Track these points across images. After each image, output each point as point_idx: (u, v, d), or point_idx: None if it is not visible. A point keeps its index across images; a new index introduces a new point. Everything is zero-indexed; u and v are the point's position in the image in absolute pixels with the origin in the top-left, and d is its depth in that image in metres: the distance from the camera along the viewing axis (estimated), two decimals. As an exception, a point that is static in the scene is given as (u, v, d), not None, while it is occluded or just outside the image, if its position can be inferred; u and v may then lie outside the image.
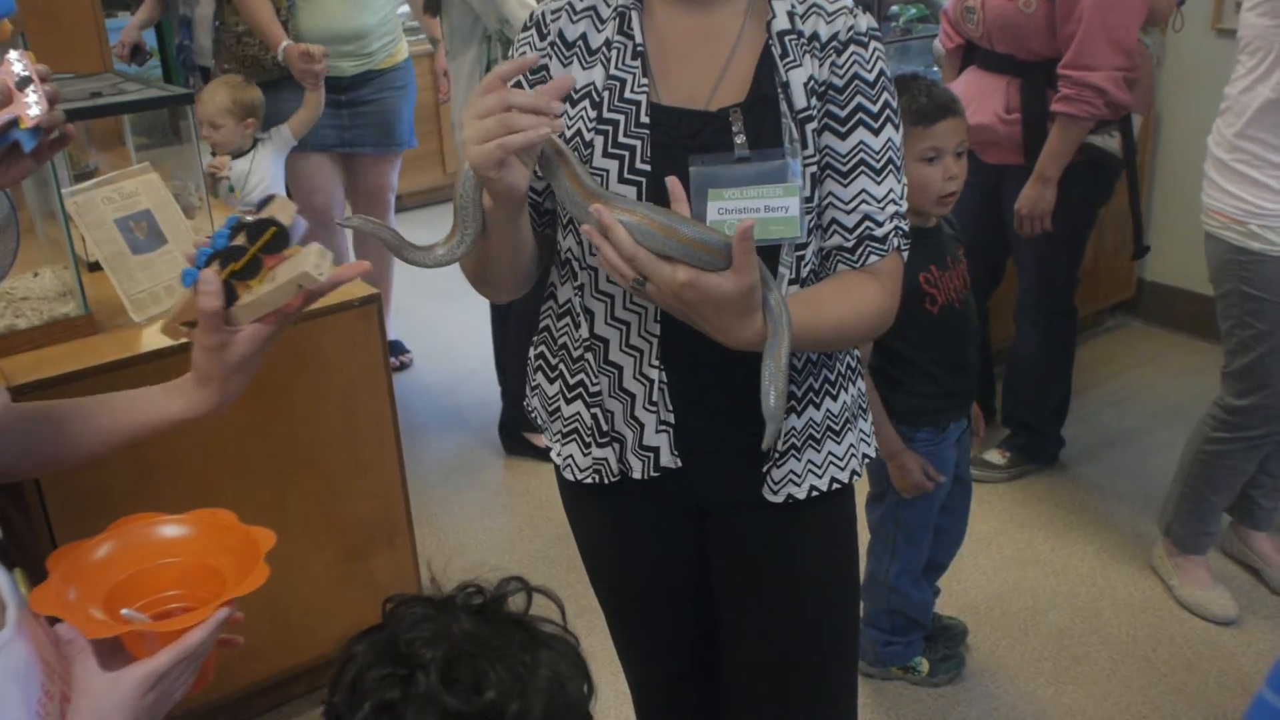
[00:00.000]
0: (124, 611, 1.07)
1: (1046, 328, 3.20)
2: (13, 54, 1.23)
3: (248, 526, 1.18)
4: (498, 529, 3.15)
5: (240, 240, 1.18)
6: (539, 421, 1.55)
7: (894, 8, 4.64)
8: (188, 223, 2.38)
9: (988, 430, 3.36)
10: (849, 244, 1.35)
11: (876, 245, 1.35)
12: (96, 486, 1.99)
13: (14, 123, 1.17)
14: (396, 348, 4.23)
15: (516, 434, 3.51)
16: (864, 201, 1.34)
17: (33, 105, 1.18)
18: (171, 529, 1.19)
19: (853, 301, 1.34)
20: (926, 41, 4.19)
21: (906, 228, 1.38)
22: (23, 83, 1.20)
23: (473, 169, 1.22)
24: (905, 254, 1.39)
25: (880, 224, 1.35)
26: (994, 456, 3.31)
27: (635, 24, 1.36)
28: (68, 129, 1.24)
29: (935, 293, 2.19)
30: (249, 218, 1.19)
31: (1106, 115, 2.81)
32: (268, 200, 1.23)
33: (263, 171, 3.45)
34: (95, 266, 2.29)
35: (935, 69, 3.58)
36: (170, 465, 2.09)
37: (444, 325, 4.49)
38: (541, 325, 1.52)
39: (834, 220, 1.35)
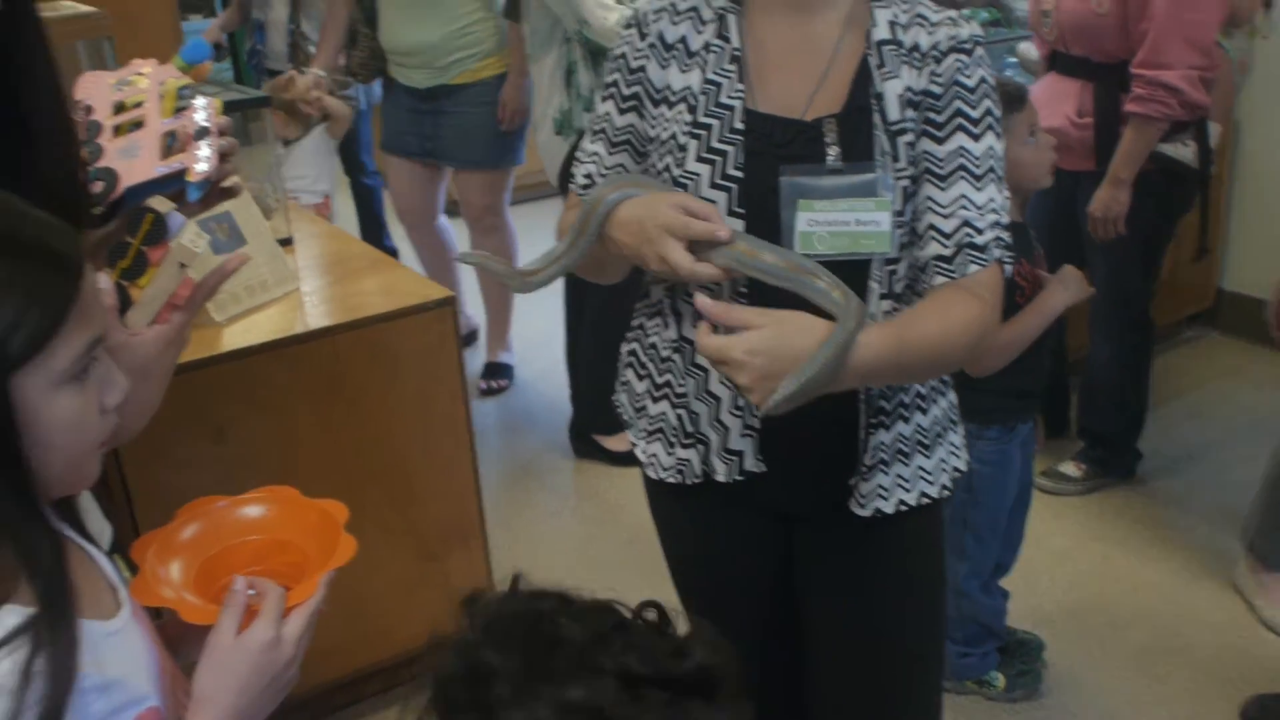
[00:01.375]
0: (236, 583, 1.06)
1: (1120, 339, 3.14)
2: (199, 101, 1.25)
3: (315, 500, 1.18)
4: (569, 532, 3.15)
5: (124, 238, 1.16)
6: (625, 417, 1.54)
7: (965, 10, 4.59)
8: (266, 224, 2.40)
9: (1062, 442, 3.31)
10: (947, 252, 1.30)
11: (977, 254, 1.30)
12: (179, 484, 2.00)
13: (183, 172, 1.19)
14: (503, 371, 4.13)
15: (587, 437, 3.50)
16: (963, 207, 1.30)
17: (202, 160, 1.19)
18: (250, 509, 1.19)
19: (948, 320, 1.28)
20: (1000, 47, 4.14)
21: (1009, 239, 1.33)
22: (200, 133, 1.21)
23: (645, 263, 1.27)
24: (1008, 268, 1.34)
25: (980, 231, 1.30)
26: (1069, 469, 3.24)
27: (734, 29, 1.34)
28: (237, 183, 1.26)
29: (1025, 285, 2.16)
30: (100, 208, 1.16)
31: (1181, 116, 2.73)
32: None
33: (302, 168, 3.56)
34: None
35: (1023, 75, 3.54)
36: (250, 463, 2.11)
37: (515, 328, 4.49)
38: (635, 322, 1.51)
39: (931, 226, 1.31)
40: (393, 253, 4.15)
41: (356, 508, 2.22)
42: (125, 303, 1.14)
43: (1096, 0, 2.76)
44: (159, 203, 1.18)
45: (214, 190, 1.27)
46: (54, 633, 0.85)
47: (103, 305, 0.93)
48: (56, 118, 1.17)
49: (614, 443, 3.38)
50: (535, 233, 4.30)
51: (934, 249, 1.31)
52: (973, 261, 1.30)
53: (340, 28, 3.85)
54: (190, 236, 1.16)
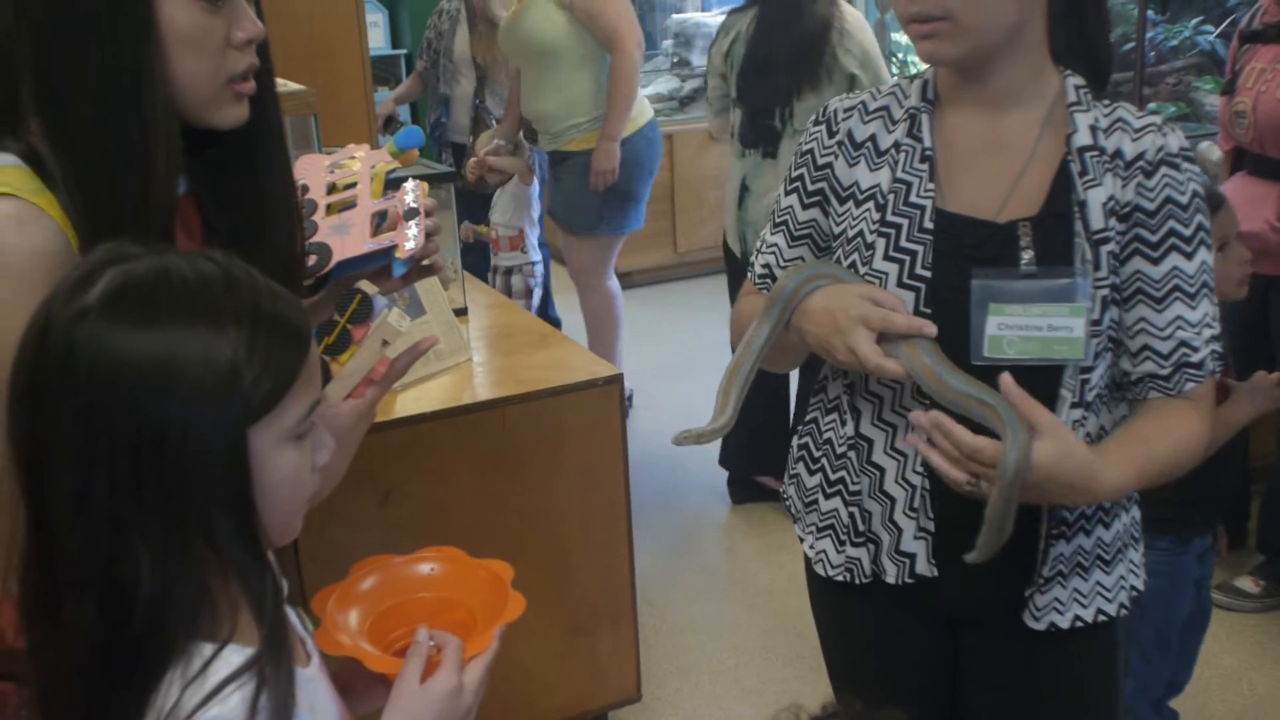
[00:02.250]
0: (419, 634, 1.10)
1: None
2: (409, 184, 1.34)
3: (483, 560, 1.22)
4: (716, 614, 3.12)
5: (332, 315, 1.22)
6: (793, 511, 1.54)
7: (1151, 105, 4.48)
8: (444, 294, 2.48)
9: (1241, 555, 3.14)
10: (1164, 371, 1.30)
11: (1193, 372, 1.30)
12: (345, 543, 2.07)
13: (392, 248, 1.26)
14: None
15: (747, 480, 3.53)
16: (1179, 328, 1.29)
17: (411, 239, 1.27)
18: (422, 566, 1.23)
19: (1176, 439, 1.30)
20: (1190, 141, 4.02)
21: (1221, 349, 1.32)
22: (409, 214, 1.30)
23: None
24: (1218, 375, 1.33)
25: (1197, 349, 1.29)
26: (1246, 584, 3.07)
27: (925, 127, 1.34)
28: (438, 261, 1.34)
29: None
30: (310, 279, 1.23)
31: None
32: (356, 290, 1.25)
33: (499, 212, 4.15)
34: (357, 331, 2.42)
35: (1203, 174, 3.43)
36: (413, 528, 2.16)
37: (669, 400, 4.52)
38: (809, 416, 1.51)
39: (1146, 346, 1.31)
40: (556, 323, 4.27)
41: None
42: (325, 376, 1.20)
43: None
44: (367, 285, 1.25)
45: (417, 267, 1.34)
46: (276, 672, 0.91)
47: (319, 370, 1.00)
48: (287, 195, 1.26)
49: (778, 483, 3.40)
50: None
51: (1149, 368, 1.31)
52: (1190, 380, 1.30)
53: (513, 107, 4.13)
54: (396, 316, 1.23)
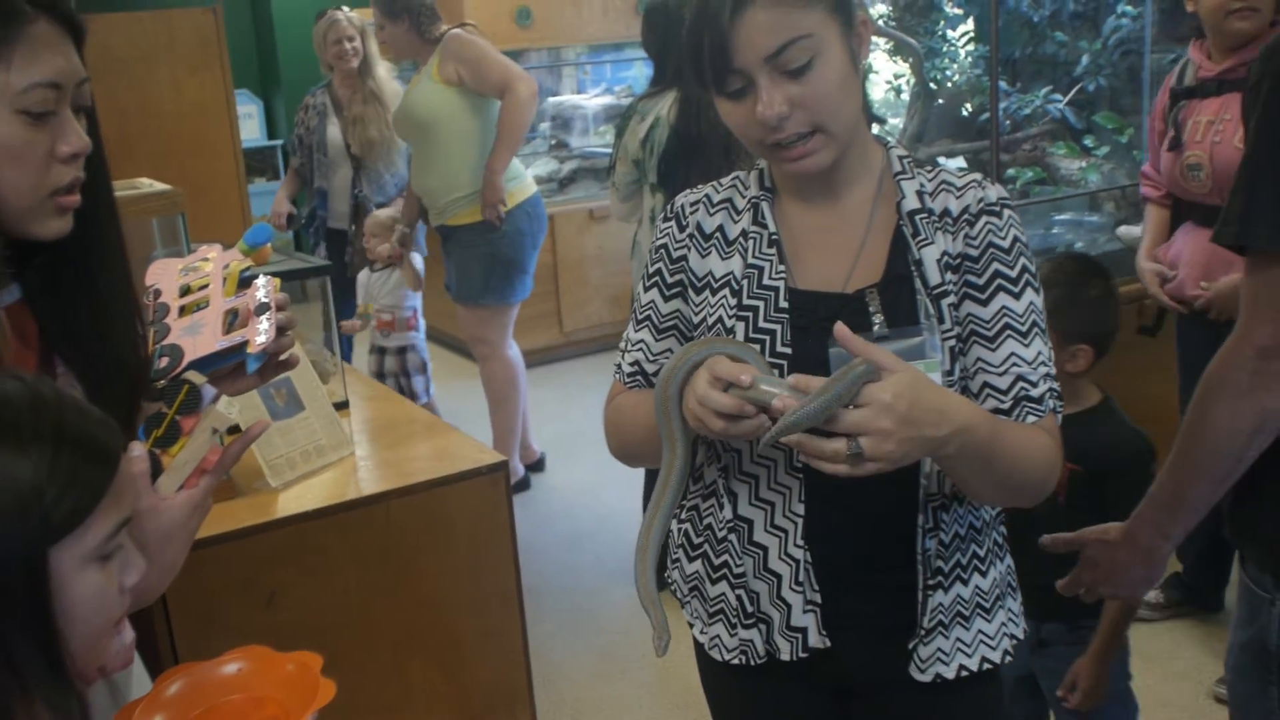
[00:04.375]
0: None
1: None
2: (260, 279, 1.34)
3: (290, 654, 1.21)
4: (616, 695, 3.10)
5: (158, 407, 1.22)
6: (678, 595, 1.54)
7: (1009, 171, 4.67)
8: (323, 388, 2.46)
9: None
10: (1005, 405, 1.33)
11: (1034, 406, 1.33)
12: (229, 646, 2.02)
13: (244, 344, 1.26)
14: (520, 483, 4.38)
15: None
16: (1015, 364, 1.33)
17: (262, 333, 1.27)
18: (229, 666, 1.21)
19: (1029, 434, 1.31)
20: (1045, 205, 4.20)
21: (1060, 390, 1.36)
22: (260, 309, 1.29)
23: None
24: (1060, 418, 1.36)
25: (1035, 384, 1.33)
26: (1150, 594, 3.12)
27: (768, 214, 1.39)
28: (293, 356, 1.34)
29: None
30: (162, 381, 1.23)
31: None
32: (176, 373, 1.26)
33: (379, 295, 4.23)
34: (234, 429, 2.37)
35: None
36: (299, 630, 2.11)
37: (563, 479, 4.51)
38: (689, 504, 1.52)
39: (986, 384, 1.34)
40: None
41: (402, 673, 2.24)
42: (156, 469, 1.18)
43: None
44: (194, 375, 1.24)
45: (272, 362, 1.34)
46: None
47: (134, 489, 1.00)
48: (127, 301, 1.25)
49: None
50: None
51: (991, 404, 1.34)
52: (1031, 413, 1.33)
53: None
54: (224, 404, 1.22)
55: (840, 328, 1.18)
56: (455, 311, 4.28)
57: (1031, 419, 1.32)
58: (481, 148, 3.97)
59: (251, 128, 7.54)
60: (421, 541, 2.23)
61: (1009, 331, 1.33)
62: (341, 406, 2.58)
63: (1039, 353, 1.34)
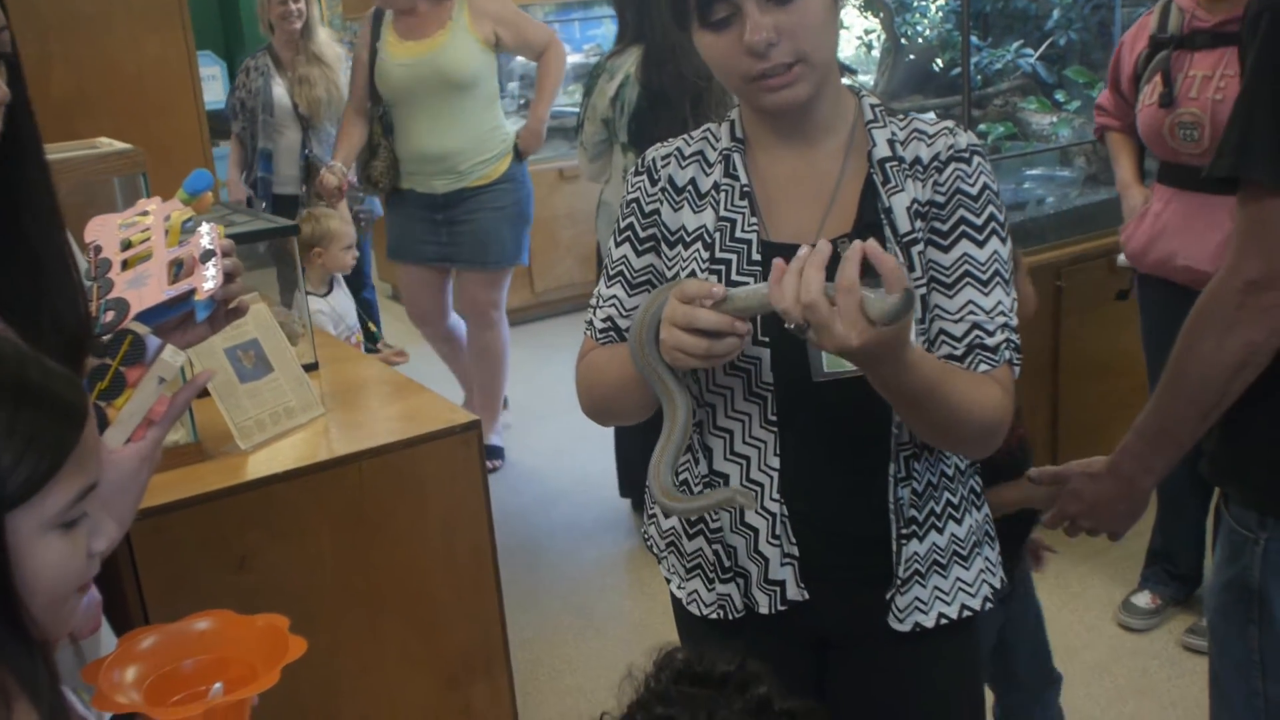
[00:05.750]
0: (216, 688, 1.10)
1: None
2: (204, 227, 1.31)
3: (257, 615, 1.21)
4: (593, 654, 3.11)
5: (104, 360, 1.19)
6: (654, 551, 1.54)
7: (980, 126, 4.66)
8: (292, 350, 2.43)
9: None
10: (958, 352, 1.32)
11: (988, 354, 1.32)
12: (200, 610, 2.00)
13: (191, 292, 1.23)
14: (493, 453, 4.31)
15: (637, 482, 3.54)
16: (971, 312, 1.32)
17: (209, 279, 1.24)
18: (199, 624, 1.21)
19: (976, 385, 1.29)
20: (1016, 160, 4.19)
21: (1018, 341, 1.35)
22: (206, 256, 1.27)
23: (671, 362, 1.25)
24: (1018, 369, 1.35)
25: (990, 333, 1.32)
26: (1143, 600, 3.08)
27: (740, 166, 1.38)
28: (243, 302, 1.31)
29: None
30: (106, 337, 1.21)
31: None
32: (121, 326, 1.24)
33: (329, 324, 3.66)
34: (202, 393, 2.33)
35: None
36: (271, 594, 2.10)
37: (539, 440, 4.51)
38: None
39: (942, 331, 1.33)
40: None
41: (376, 635, 2.23)
42: (103, 423, 1.15)
43: None
44: (137, 326, 1.22)
45: (222, 311, 1.31)
46: None
47: (99, 453, 0.95)
48: (64, 260, 1.23)
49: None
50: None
51: (945, 350, 1.33)
52: (984, 361, 1.32)
53: (358, 142, 4.02)
54: (171, 353, 1.19)
55: (871, 245, 1.14)
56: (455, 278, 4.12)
57: (984, 368, 1.32)
58: (499, 110, 3.95)
59: (215, 89, 7.41)
60: (394, 503, 2.22)
61: (969, 279, 1.32)
62: (311, 368, 2.55)
63: (999, 302, 1.33)
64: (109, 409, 1.17)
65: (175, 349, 1.20)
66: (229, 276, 1.29)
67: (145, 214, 1.40)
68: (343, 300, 3.70)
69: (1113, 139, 3.03)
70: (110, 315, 1.23)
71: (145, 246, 1.33)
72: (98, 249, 1.34)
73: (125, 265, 1.31)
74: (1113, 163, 3.05)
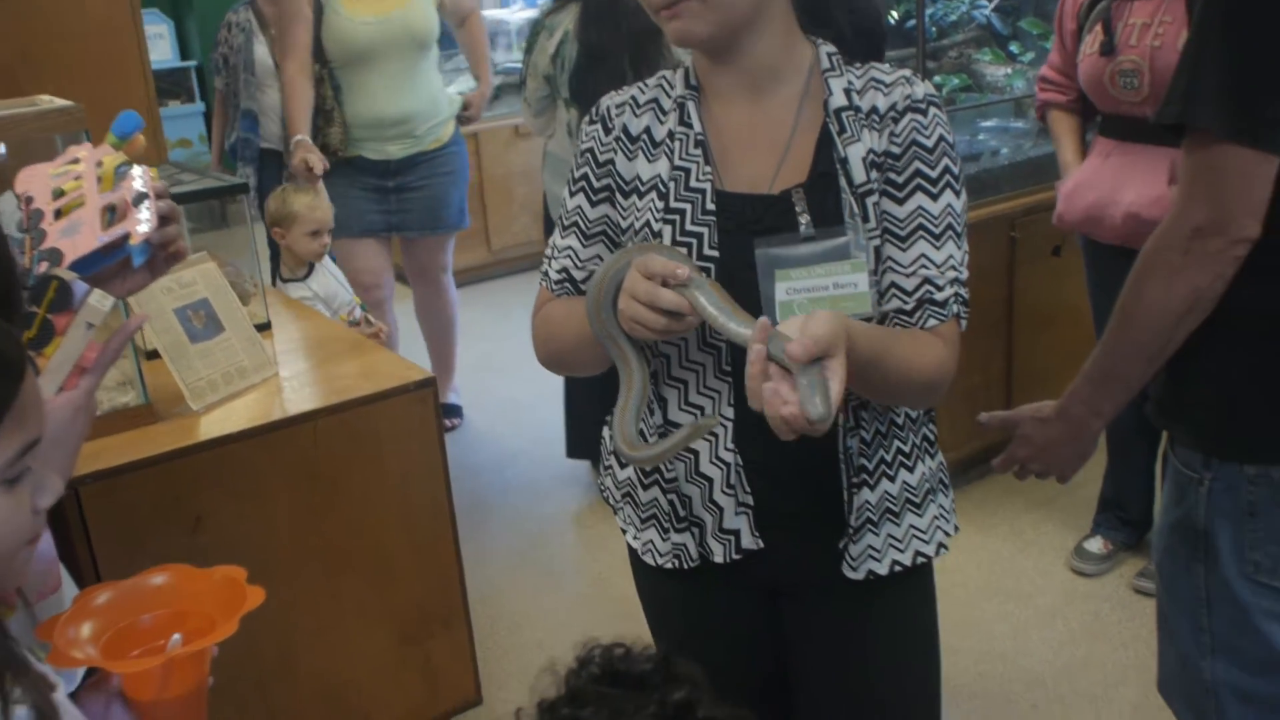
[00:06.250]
0: (174, 639, 1.10)
1: None
2: (135, 170, 1.28)
3: (214, 569, 1.21)
4: (552, 608, 3.12)
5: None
6: (610, 502, 1.54)
7: (935, 78, 4.66)
8: (243, 309, 2.41)
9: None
10: (908, 307, 1.33)
11: (936, 309, 1.33)
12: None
13: (125, 238, 1.20)
14: (451, 411, 4.30)
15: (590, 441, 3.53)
16: (923, 266, 1.32)
17: (143, 222, 1.21)
18: (155, 578, 1.21)
19: (917, 348, 1.30)
20: (971, 112, 4.20)
21: (967, 295, 1.36)
22: (138, 199, 1.23)
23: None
24: (964, 322, 1.36)
25: (940, 288, 1.32)
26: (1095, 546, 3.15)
27: (694, 114, 1.37)
28: (180, 246, 1.28)
29: None
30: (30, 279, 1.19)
31: None
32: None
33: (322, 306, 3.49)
34: (153, 355, 2.32)
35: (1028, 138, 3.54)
36: (227, 554, 2.05)
37: (495, 399, 4.50)
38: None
39: (893, 284, 1.34)
40: None
41: (334, 591, 2.24)
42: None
43: None
44: (62, 272, 1.20)
45: (161, 255, 1.29)
46: (24, 679, 0.87)
47: (41, 408, 0.93)
48: None
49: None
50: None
51: (895, 304, 1.33)
52: (932, 316, 1.33)
53: (310, 107, 3.89)
54: (98, 297, 1.17)
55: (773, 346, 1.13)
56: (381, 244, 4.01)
57: (933, 322, 1.32)
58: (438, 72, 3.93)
59: (163, 48, 7.28)
60: (350, 460, 2.21)
61: (922, 233, 1.32)
62: (264, 328, 2.53)
63: (950, 256, 1.33)
64: (39, 358, 1.15)
65: (103, 294, 1.18)
66: (164, 220, 1.26)
67: (76, 161, 1.37)
68: (328, 282, 3.43)
69: (1054, 117, 3.01)
70: (44, 266, 1.21)
71: (78, 195, 1.30)
72: (29, 199, 1.31)
73: (59, 214, 1.28)
74: (1054, 143, 3.02)
